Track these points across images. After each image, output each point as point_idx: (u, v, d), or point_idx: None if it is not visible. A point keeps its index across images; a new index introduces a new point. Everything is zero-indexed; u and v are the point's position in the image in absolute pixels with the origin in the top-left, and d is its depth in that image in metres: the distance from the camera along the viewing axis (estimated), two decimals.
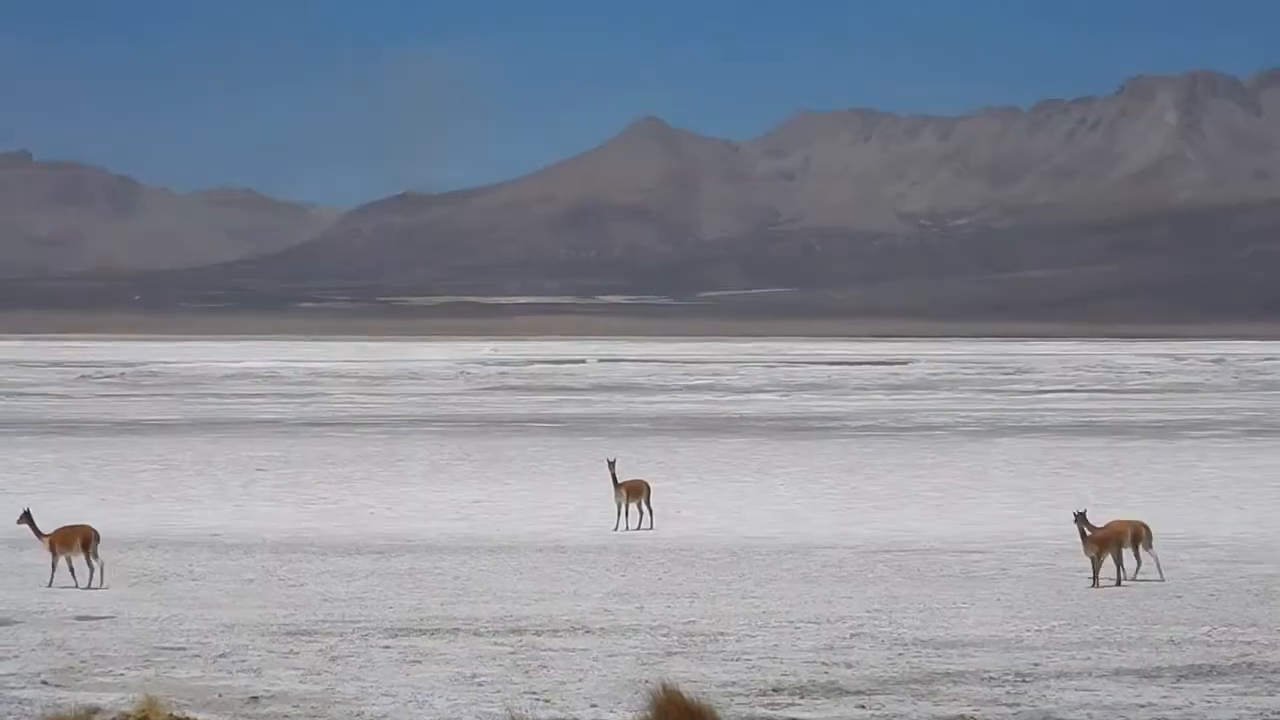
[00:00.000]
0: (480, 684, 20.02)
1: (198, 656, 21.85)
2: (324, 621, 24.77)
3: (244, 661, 21.47)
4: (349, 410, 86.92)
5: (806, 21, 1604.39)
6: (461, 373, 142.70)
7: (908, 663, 21.34)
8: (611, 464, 37.36)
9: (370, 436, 67.35)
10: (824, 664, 21.22)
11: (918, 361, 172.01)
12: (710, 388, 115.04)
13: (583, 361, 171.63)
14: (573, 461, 54.35)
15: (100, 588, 28.02)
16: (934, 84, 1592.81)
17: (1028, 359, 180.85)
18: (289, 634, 23.62)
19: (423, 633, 23.70)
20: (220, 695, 19.36)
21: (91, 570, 28.33)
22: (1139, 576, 28.65)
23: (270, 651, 22.18)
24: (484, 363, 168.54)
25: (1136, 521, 29.32)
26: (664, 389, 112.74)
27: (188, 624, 24.55)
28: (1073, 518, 28.97)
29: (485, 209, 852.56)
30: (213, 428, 72.62)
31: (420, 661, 21.43)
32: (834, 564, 31.64)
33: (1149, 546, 28.78)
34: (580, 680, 20.19)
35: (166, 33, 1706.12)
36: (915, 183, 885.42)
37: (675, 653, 22.09)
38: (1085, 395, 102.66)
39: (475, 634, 23.59)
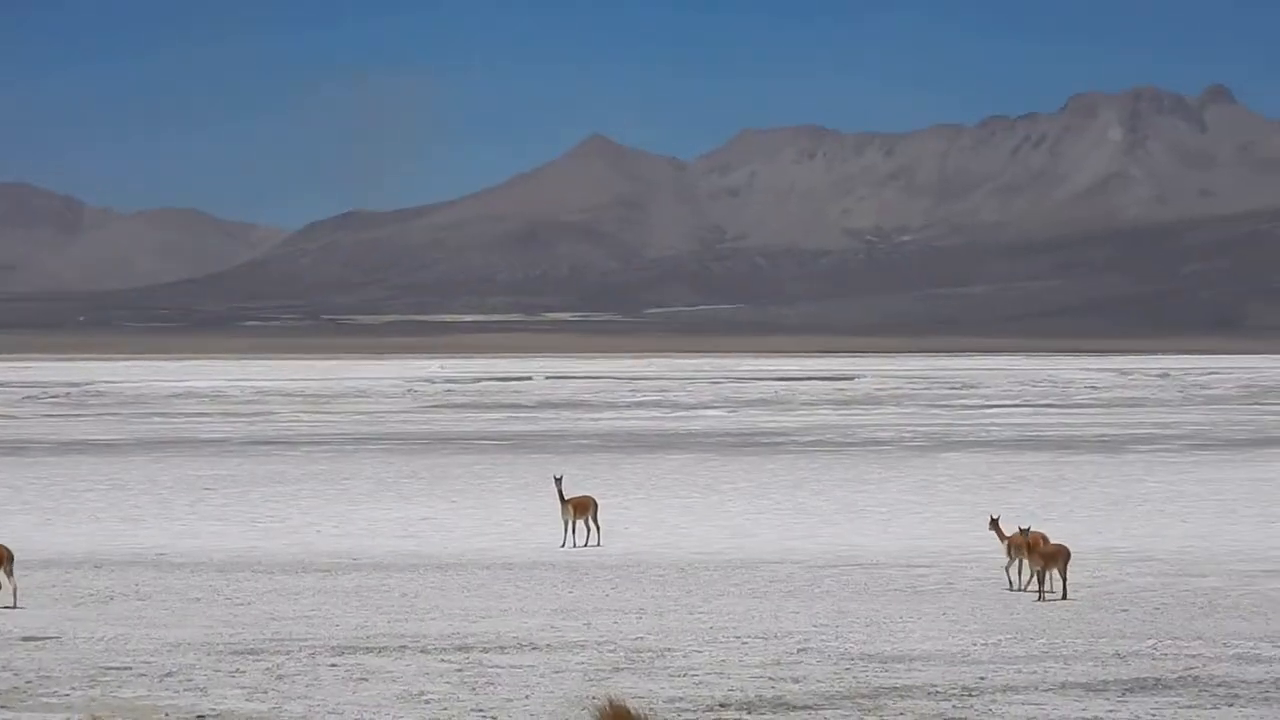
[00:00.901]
0: (427, 701, 20.01)
1: (143, 675, 21.77)
2: (270, 640, 24.70)
3: (190, 680, 21.40)
4: (295, 429, 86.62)
5: (753, 39, 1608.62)
6: (408, 390, 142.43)
7: (854, 677, 21.40)
8: (558, 480, 37.27)
9: (317, 455, 67.15)
10: (771, 679, 21.27)
11: (864, 377, 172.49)
12: (658, 404, 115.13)
13: (530, 379, 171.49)
14: (520, 478, 54.34)
15: (14, 606, 27.82)
16: (880, 101, 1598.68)
17: (974, 374, 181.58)
18: (235, 653, 23.55)
19: (369, 650, 23.66)
20: (166, 715, 19.33)
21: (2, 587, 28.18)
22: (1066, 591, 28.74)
23: (216, 670, 22.11)
24: (431, 380, 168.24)
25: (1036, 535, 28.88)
26: (611, 405, 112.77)
27: (133, 643, 24.45)
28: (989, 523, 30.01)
29: (432, 228, 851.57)
30: (159, 447, 72.29)
31: (367, 679, 21.40)
32: (781, 579, 31.71)
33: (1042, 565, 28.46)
34: (527, 697, 20.21)
35: (111, 56, 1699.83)
36: (861, 199, 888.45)
37: (622, 669, 22.11)
38: (1031, 410, 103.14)
39: (422, 651, 23.56)
